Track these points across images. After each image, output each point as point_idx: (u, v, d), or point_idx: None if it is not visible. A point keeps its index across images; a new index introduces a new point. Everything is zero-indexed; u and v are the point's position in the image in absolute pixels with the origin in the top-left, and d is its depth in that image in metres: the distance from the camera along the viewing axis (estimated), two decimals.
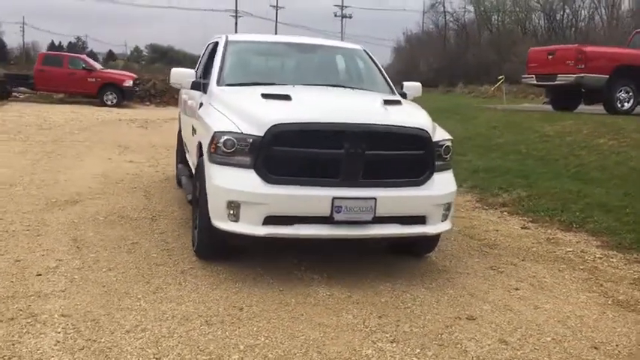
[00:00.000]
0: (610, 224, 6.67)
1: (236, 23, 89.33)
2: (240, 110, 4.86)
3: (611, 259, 5.84)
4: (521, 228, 6.96)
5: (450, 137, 5.18)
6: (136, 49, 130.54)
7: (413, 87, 6.43)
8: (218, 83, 5.71)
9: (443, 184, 4.95)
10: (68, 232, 5.86)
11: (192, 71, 6.03)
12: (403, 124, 4.78)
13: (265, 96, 4.95)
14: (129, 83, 24.28)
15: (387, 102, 5.17)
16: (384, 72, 6.35)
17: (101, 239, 5.65)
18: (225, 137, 4.58)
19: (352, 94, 5.59)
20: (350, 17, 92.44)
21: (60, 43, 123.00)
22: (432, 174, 4.88)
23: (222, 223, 4.62)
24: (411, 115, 4.98)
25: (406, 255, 5.52)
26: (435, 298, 4.60)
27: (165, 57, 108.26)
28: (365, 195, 4.59)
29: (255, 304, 4.29)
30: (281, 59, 6.53)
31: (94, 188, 8.03)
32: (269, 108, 4.75)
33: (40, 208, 6.75)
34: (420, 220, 4.85)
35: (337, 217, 4.55)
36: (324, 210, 4.51)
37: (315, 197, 4.50)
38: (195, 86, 5.92)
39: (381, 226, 4.72)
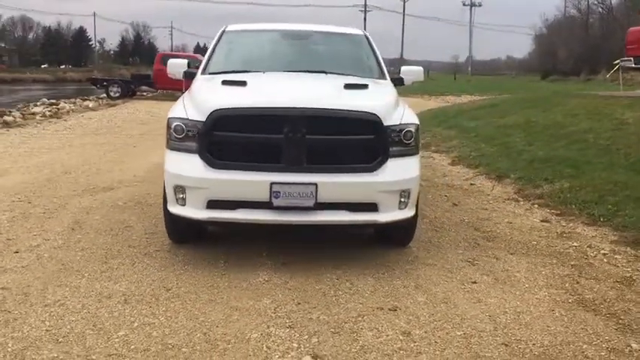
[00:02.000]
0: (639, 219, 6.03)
1: (365, 18, 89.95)
2: (196, 97, 4.99)
3: (616, 256, 5.32)
4: (541, 221, 6.50)
5: (415, 122, 4.96)
6: None
7: (411, 71, 6.22)
8: (203, 72, 5.89)
9: (398, 170, 4.76)
10: (77, 215, 6.29)
11: (184, 61, 6.24)
12: (349, 108, 4.65)
13: (224, 82, 5.04)
14: None
15: (349, 86, 5.06)
16: (378, 57, 6.19)
17: (100, 223, 6.02)
18: (175, 123, 4.73)
19: (319, 79, 5.48)
20: (479, 5, 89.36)
21: (205, 44, 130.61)
22: (385, 160, 4.70)
23: (172, 207, 4.79)
24: (364, 99, 4.82)
25: (387, 244, 5.35)
26: (374, 289, 4.46)
27: None
28: (305, 180, 4.53)
29: (186, 285, 4.41)
30: (273, 46, 6.55)
31: (138, 177, 8.52)
32: (217, 94, 4.85)
33: (73, 194, 7.30)
34: (371, 207, 4.70)
35: (276, 202, 4.54)
36: (263, 195, 4.53)
37: (253, 182, 4.53)
38: (187, 76, 6.12)
39: (327, 212, 4.64)
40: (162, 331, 3.67)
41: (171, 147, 4.80)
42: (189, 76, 6.12)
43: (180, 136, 4.71)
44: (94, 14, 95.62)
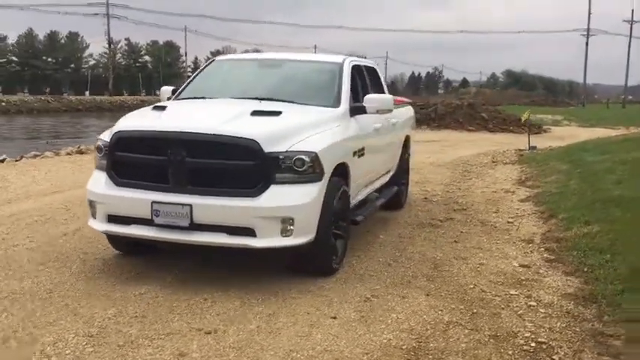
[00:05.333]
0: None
1: (587, 43, 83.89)
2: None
3: (540, 310, 4.72)
4: (520, 265, 5.90)
5: (312, 150, 4.93)
6: (492, 76, 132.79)
7: (374, 99, 6.13)
8: (176, 97, 6.40)
9: (280, 196, 4.78)
10: None
11: (170, 88, 6.77)
12: (226, 134, 4.80)
13: (153, 107, 5.51)
14: None
15: (257, 113, 5.20)
16: (343, 86, 6.13)
17: None
18: (98, 143, 5.31)
19: (240, 105, 5.62)
20: None
21: (419, 73, 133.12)
22: (267, 186, 4.77)
23: (89, 219, 5.35)
24: (251, 127, 4.91)
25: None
26: (228, 310, 4.54)
27: (519, 82, 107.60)
28: (180, 201, 4.79)
29: (68, 290, 4.90)
30: (241, 75, 6.83)
31: None
32: (132, 117, 5.33)
33: None
34: (248, 231, 4.79)
35: (157, 220, 4.86)
36: (146, 213, 4.88)
37: (137, 200, 4.91)
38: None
39: (205, 233, 4.83)
40: None
41: (95, 165, 5.36)
42: None
43: (100, 155, 5.25)
44: (315, 47, 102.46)
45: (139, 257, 5.72)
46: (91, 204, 5.23)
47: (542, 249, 6.46)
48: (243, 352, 3.84)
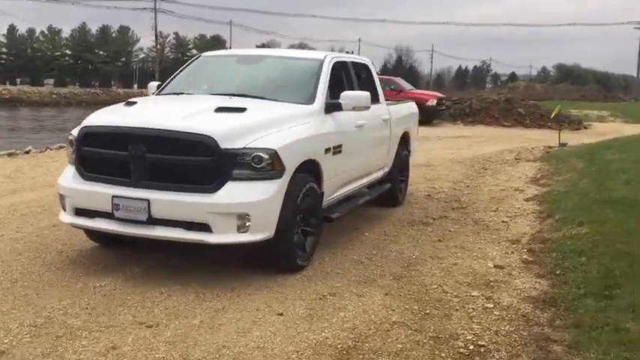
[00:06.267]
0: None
1: None
2: None
3: (495, 312, 4.63)
4: (495, 266, 5.81)
5: (271, 147, 4.93)
6: (543, 70, 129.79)
7: (350, 97, 6.08)
8: (158, 93, 6.50)
9: (236, 193, 4.81)
10: None
11: (156, 84, 6.86)
12: (183, 130, 4.86)
13: (125, 103, 5.61)
14: (432, 102, 25.25)
15: (221, 109, 5.25)
16: (320, 82, 6.11)
17: None
18: (69, 137, 5.45)
19: (206, 101, 5.67)
20: None
21: (466, 67, 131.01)
22: (223, 182, 4.81)
23: (60, 213, 5.49)
24: (209, 123, 4.95)
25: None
26: (178, 301, 4.61)
27: (571, 76, 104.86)
28: (139, 196, 4.88)
29: (33, 281, 5.04)
30: (221, 71, 6.87)
31: None
32: (100, 113, 5.43)
33: None
34: (204, 227, 4.84)
35: (116, 214, 4.97)
36: (107, 207, 4.99)
37: (99, 194, 5.03)
38: None
39: (163, 228, 4.91)
40: None
41: (68, 159, 5.50)
42: None
43: (72, 150, 5.38)
44: (359, 40, 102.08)
45: (117, 249, 5.82)
46: (61, 197, 5.37)
47: (525, 250, 6.32)
48: (174, 347, 3.89)
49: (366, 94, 6.14)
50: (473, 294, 5.00)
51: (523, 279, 5.39)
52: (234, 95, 5.87)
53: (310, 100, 5.91)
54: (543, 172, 11.93)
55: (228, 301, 4.71)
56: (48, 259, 5.61)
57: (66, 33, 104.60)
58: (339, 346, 3.99)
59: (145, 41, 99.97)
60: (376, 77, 7.75)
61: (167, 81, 6.78)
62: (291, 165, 5.11)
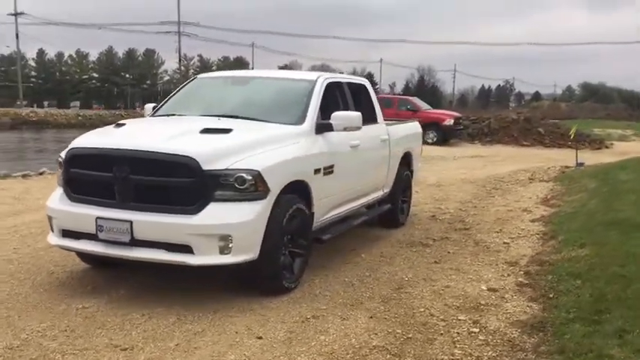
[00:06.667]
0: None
1: None
2: None
3: (480, 337, 4.51)
4: (488, 289, 5.69)
5: (254, 169, 4.91)
6: (568, 89, 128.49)
7: (341, 117, 6.05)
8: (153, 114, 6.54)
9: (217, 214, 4.79)
10: None
11: (152, 105, 6.92)
12: (164, 151, 4.86)
13: (115, 125, 5.65)
14: (449, 122, 25.16)
15: (207, 130, 5.25)
16: (311, 103, 6.08)
17: None
18: (59, 159, 5.48)
19: (193, 122, 5.68)
20: None
21: (489, 86, 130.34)
22: (205, 203, 4.80)
23: (49, 234, 5.51)
24: (191, 145, 4.94)
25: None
26: (158, 323, 4.58)
27: (596, 94, 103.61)
28: (122, 217, 4.88)
29: (17, 302, 5.07)
30: (213, 92, 6.89)
31: None
32: (89, 135, 5.47)
33: None
34: (186, 248, 4.82)
35: (100, 235, 4.97)
36: (91, 228, 5.00)
37: (83, 215, 5.04)
38: None
39: (145, 249, 4.89)
40: None
41: (57, 181, 5.53)
42: None
43: (61, 171, 5.42)
44: (381, 60, 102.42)
45: (107, 271, 5.82)
46: (49, 218, 5.40)
47: (522, 272, 6.18)
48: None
49: (357, 115, 6.09)
50: (460, 317, 4.88)
51: (515, 302, 5.25)
52: (225, 116, 5.87)
53: (300, 120, 5.89)
54: (555, 192, 11.74)
55: (208, 323, 4.66)
56: (37, 281, 5.63)
57: (93, 57, 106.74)
58: None
59: (170, 63, 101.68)
60: (374, 97, 7.71)
61: (162, 102, 6.81)
62: (275, 186, 5.07)
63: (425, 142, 24.21)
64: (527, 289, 5.59)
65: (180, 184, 4.84)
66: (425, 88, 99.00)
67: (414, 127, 9.12)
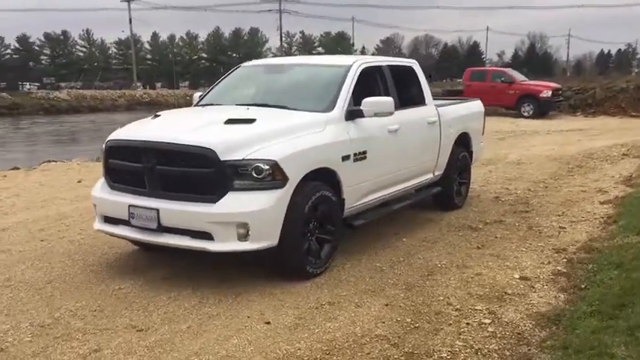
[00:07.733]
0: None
1: None
2: None
3: (489, 329, 4.45)
4: (520, 278, 5.53)
5: (271, 158, 5.05)
6: None
7: (371, 103, 6.02)
8: (196, 104, 6.83)
9: (235, 203, 4.98)
10: None
11: (199, 94, 7.20)
12: (187, 143, 5.09)
13: (153, 116, 5.98)
14: (546, 94, 24.02)
15: (231, 121, 5.44)
16: (343, 89, 6.09)
17: None
18: (102, 149, 5.90)
19: (225, 112, 5.82)
20: None
21: (609, 51, 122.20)
22: (224, 192, 5.01)
23: (94, 221, 5.95)
24: (212, 136, 5.13)
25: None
26: (180, 305, 4.87)
27: None
28: (149, 205, 5.20)
29: (64, 282, 5.52)
30: (253, 81, 7.01)
31: None
32: (127, 127, 5.82)
33: None
34: (207, 235, 5.05)
35: (132, 222, 5.33)
36: (125, 215, 5.36)
37: (117, 203, 5.41)
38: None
39: (171, 236, 5.19)
40: None
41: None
42: None
43: (104, 162, 5.83)
44: (487, 28, 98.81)
45: (154, 253, 6.17)
46: (94, 206, 5.81)
47: (564, 260, 5.94)
48: (150, 352, 4.12)
49: (386, 100, 6.03)
50: (477, 307, 4.80)
51: (543, 293, 5.08)
52: (255, 105, 6.03)
53: (330, 107, 5.92)
54: None
55: (226, 307, 4.87)
56: (89, 261, 6.08)
57: (202, 38, 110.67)
58: (305, 357, 4.01)
59: (274, 41, 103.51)
60: (422, 79, 7.56)
61: (207, 91, 7.07)
62: (295, 174, 5.17)
63: (521, 116, 23.60)
64: (561, 279, 5.37)
65: (200, 174, 5.06)
66: (536, 57, 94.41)
67: (472, 106, 8.86)
